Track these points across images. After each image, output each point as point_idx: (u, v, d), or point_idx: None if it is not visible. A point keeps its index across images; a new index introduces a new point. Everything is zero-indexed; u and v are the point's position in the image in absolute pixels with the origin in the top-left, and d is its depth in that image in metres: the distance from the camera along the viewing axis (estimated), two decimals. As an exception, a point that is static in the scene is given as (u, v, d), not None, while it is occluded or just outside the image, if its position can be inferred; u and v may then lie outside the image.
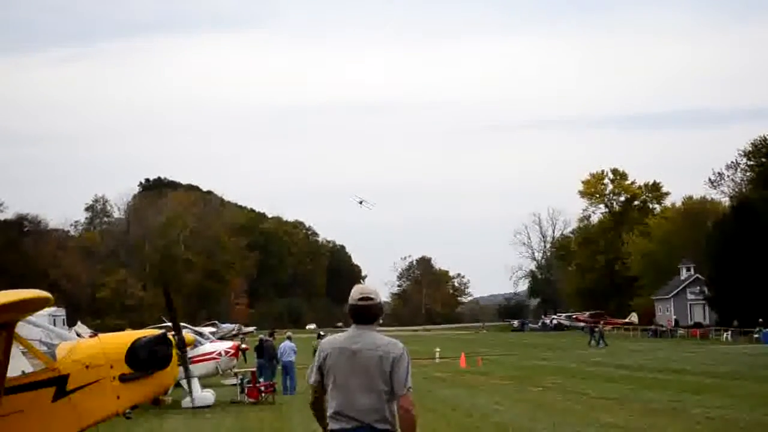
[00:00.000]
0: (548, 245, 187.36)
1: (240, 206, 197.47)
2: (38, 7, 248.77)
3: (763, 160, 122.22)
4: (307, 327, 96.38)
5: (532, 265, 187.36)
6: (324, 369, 8.70)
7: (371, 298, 8.72)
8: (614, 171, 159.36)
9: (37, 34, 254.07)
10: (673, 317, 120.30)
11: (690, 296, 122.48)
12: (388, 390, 8.37)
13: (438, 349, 65.89)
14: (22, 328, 14.37)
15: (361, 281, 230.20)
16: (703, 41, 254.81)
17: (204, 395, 34.41)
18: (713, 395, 31.94)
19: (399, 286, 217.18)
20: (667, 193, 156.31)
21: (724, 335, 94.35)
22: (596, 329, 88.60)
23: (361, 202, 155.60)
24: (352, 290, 8.81)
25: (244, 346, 47.72)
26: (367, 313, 8.72)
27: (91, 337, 18.22)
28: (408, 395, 8.36)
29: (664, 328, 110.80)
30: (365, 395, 8.41)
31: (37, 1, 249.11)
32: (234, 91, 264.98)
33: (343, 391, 8.51)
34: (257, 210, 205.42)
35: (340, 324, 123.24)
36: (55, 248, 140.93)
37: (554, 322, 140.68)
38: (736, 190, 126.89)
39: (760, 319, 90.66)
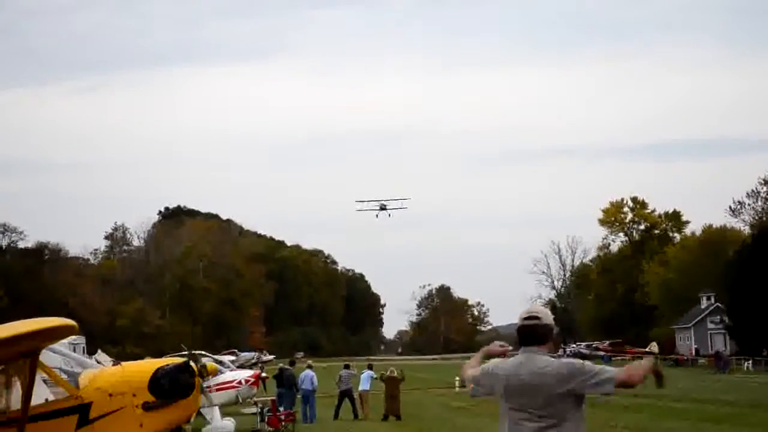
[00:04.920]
0: (567, 274, 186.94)
1: (259, 234, 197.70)
2: (57, 38, 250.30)
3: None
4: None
5: (552, 294, 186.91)
6: (487, 390, 8.35)
7: (537, 317, 8.26)
8: (634, 199, 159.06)
9: (56, 64, 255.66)
10: (694, 346, 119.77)
11: (710, 325, 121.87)
12: (563, 410, 7.93)
13: (457, 378, 65.74)
14: (45, 356, 14.40)
15: (380, 310, 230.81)
16: (723, 70, 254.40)
17: (224, 424, 34.34)
18: (733, 425, 31.76)
19: (418, 314, 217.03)
20: (687, 222, 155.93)
21: (745, 365, 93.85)
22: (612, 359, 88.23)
23: (383, 208, 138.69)
24: (521, 311, 8.35)
25: (264, 374, 47.66)
26: (533, 334, 8.22)
27: (113, 365, 18.24)
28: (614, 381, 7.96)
29: (685, 358, 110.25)
30: (533, 425, 7.98)
31: (55, 33, 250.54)
32: (252, 120, 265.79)
33: (510, 420, 8.10)
34: (276, 238, 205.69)
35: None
36: (73, 276, 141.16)
37: (574, 351, 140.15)
38: (757, 218, 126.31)
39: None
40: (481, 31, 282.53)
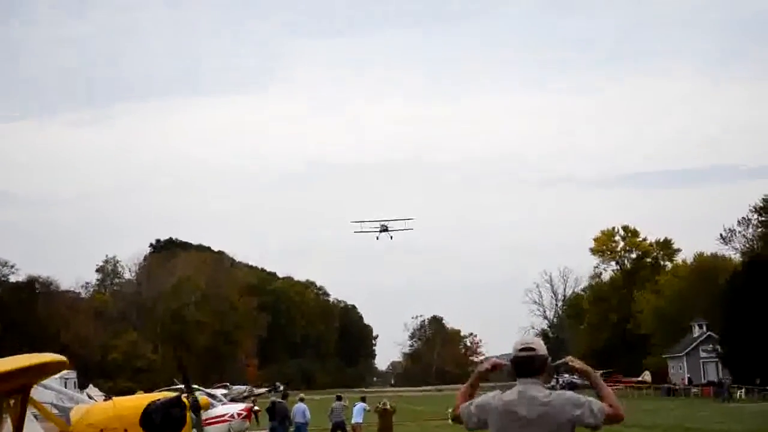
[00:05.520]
0: (560, 303, 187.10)
1: (251, 266, 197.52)
2: (52, 71, 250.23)
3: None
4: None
5: (544, 324, 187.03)
6: (482, 424, 8.24)
7: (533, 349, 8.22)
8: (625, 228, 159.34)
9: (49, 97, 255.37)
10: (687, 375, 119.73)
11: (703, 354, 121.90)
12: None
13: (450, 409, 65.57)
14: (36, 391, 14.42)
15: (373, 341, 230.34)
16: (713, 98, 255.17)
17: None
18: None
19: (411, 345, 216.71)
20: (678, 250, 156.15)
21: (738, 393, 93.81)
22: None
23: (384, 230, 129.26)
24: (515, 343, 8.30)
25: (256, 408, 47.60)
26: (530, 365, 8.20)
27: (104, 400, 18.25)
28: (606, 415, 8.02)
29: (677, 387, 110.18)
30: None
31: (49, 65, 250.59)
32: (244, 151, 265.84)
33: None
34: (268, 270, 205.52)
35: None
36: (66, 310, 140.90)
37: (567, 380, 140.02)
38: (748, 246, 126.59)
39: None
40: (477, 61, 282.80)
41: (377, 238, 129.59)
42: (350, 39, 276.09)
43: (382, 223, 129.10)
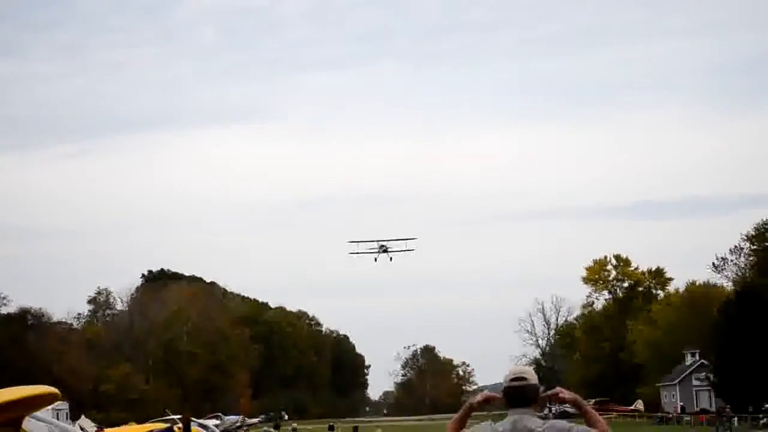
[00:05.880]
0: (552, 333, 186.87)
1: (243, 297, 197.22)
2: (41, 104, 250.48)
3: (767, 244, 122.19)
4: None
5: (536, 353, 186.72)
6: None
7: (525, 378, 8.19)
8: (617, 257, 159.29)
9: (39, 131, 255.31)
10: (679, 404, 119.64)
11: (695, 382, 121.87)
12: None
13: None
14: (29, 424, 14.36)
15: (365, 371, 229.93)
16: (705, 131, 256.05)
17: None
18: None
19: (403, 375, 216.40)
20: (670, 279, 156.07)
21: (732, 421, 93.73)
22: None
23: (383, 251, 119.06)
24: (506, 372, 8.25)
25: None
26: (522, 395, 8.17)
27: (96, 431, 18.26)
28: None
29: (670, 415, 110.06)
30: None
31: (39, 98, 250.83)
32: (236, 182, 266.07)
33: None
34: (260, 300, 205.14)
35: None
36: (58, 342, 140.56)
37: (559, 410, 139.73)
38: (740, 275, 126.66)
39: (766, 405, 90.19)
40: (468, 94, 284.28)
41: (375, 260, 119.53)
42: (337, 73, 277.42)
43: (382, 243, 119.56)
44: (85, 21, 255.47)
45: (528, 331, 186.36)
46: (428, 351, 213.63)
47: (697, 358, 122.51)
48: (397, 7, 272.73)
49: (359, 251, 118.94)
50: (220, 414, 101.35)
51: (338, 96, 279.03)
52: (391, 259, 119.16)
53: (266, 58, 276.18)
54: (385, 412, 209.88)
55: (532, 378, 8.22)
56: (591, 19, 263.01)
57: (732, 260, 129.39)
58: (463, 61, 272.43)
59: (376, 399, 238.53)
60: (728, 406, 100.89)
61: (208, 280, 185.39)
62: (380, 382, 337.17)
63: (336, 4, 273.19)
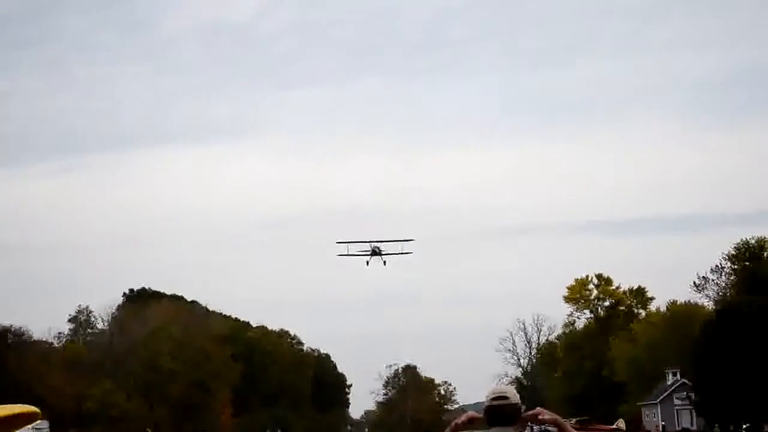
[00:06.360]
0: (533, 351, 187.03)
1: (225, 316, 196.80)
2: (23, 120, 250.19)
3: (747, 264, 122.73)
4: None
5: (518, 372, 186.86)
6: None
7: (506, 397, 8.24)
8: (599, 276, 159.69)
9: (21, 148, 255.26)
10: (661, 423, 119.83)
11: (677, 402, 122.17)
12: None
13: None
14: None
15: (346, 390, 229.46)
16: (686, 148, 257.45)
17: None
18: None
19: (385, 394, 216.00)
20: (651, 298, 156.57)
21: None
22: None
23: (376, 253, 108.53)
24: (488, 391, 8.30)
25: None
26: (504, 414, 8.22)
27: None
28: None
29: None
30: None
31: (24, 115, 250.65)
32: (217, 201, 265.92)
33: None
34: (242, 319, 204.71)
35: None
36: (38, 360, 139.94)
37: (542, 429, 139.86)
38: (721, 294, 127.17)
39: (746, 425, 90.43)
40: (449, 111, 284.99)
41: (367, 263, 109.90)
42: (317, 91, 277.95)
43: (375, 245, 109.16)
44: (69, 38, 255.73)
45: (509, 350, 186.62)
46: (410, 370, 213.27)
47: (678, 377, 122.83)
48: (379, 25, 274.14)
49: (349, 253, 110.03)
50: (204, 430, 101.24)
51: (321, 112, 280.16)
52: (384, 263, 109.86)
53: (249, 74, 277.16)
54: (366, 430, 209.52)
55: (514, 397, 8.28)
56: (573, 35, 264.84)
57: (713, 279, 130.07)
58: (445, 78, 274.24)
59: (358, 418, 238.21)
60: (717, 424, 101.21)
61: (189, 299, 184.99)
62: (361, 400, 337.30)
63: (319, 21, 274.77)
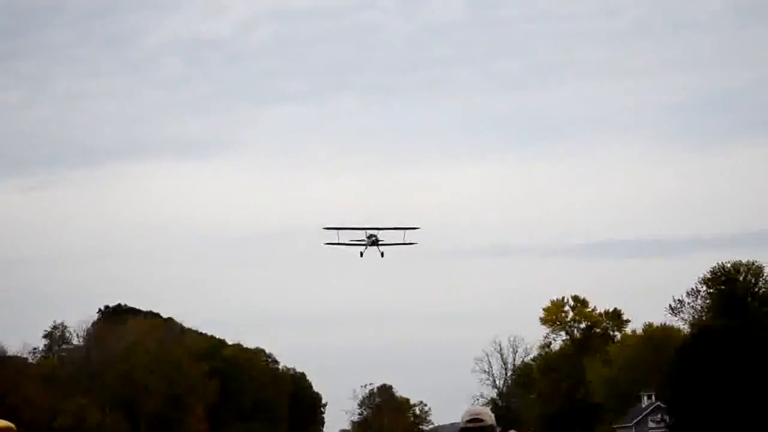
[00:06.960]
0: (509, 372, 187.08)
1: (200, 333, 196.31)
2: (1, 133, 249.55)
3: (722, 287, 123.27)
4: None
5: (494, 393, 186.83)
6: None
7: (481, 419, 8.36)
8: (575, 298, 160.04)
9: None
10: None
11: (651, 424, 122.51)
12: None
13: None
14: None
15: (321, 410, 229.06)
16: (662, 171, 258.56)
17: None
18: None
19: (360, 413, 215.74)
20: (627, 321, 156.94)
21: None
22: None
23: (374, 243, 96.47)
24: (463, 413, 8.47)
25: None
26: None
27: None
28: None
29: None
30: None
31: (1, 128, 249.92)
32: (194, 217, 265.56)
33: None
34: (218, 336, 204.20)
35: None
36: (13, 374, 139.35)
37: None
38: (696, 317, 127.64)
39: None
40: (428, 130, 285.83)
41: (361, 255, 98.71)
42: (297, 107, 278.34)
43: (371, 232, 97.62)
44: (49, 51, 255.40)
45: (485, 371, 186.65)
46: (385, 390, 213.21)
47: (653, 400, 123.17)
48: (359, 42, 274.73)
49: (339, 242, 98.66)
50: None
51: (300, 129, 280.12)
52: (382, 254, 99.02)
53: (229, 90, 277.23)
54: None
55: (489, 419, 8.47)
56: (550, 58, 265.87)
57: (689, 303, 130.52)
58: (424, 96, 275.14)
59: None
60: None
61: (165, 316, 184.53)
62: (336, 420, 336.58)
63: (299, 38, 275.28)
